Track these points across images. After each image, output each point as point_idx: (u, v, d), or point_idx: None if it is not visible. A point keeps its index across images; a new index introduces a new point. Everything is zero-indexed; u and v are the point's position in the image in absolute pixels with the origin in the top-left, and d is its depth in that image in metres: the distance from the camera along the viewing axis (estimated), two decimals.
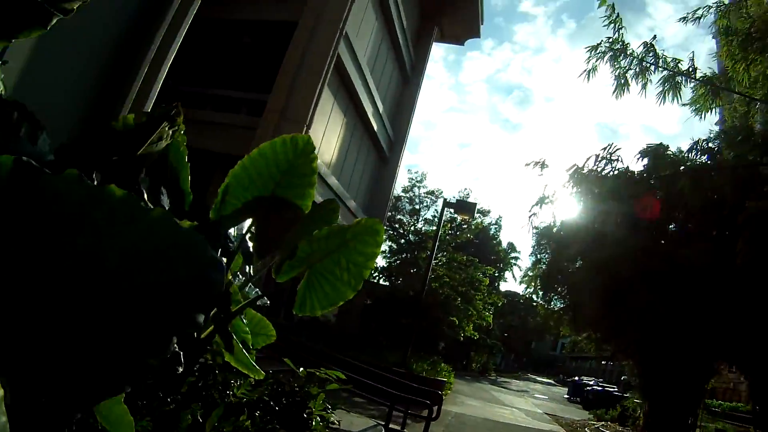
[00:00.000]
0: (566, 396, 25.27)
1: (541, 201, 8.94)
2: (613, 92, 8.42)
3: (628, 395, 18.57)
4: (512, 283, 59.47)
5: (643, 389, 10.80)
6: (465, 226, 27.85)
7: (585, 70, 8.29)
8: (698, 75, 8.14)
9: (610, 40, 8.10)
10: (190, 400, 1.90)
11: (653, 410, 10.21)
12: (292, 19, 11.14)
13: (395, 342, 14.54)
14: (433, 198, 22.35)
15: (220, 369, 2.01)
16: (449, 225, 22.96)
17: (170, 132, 1.46)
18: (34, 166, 0.73)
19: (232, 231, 2.04)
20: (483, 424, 9.78)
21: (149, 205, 1.51)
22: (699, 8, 8.01)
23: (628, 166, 8.69)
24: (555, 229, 11.91)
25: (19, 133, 1.10)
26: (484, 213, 32.11)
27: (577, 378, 30.90)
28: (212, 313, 1.95)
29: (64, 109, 3.24)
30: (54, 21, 1.12)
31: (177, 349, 1.50)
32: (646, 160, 8.62)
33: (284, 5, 11.76)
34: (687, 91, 8.41)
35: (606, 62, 8.17)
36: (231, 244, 1.99)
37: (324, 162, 13.77)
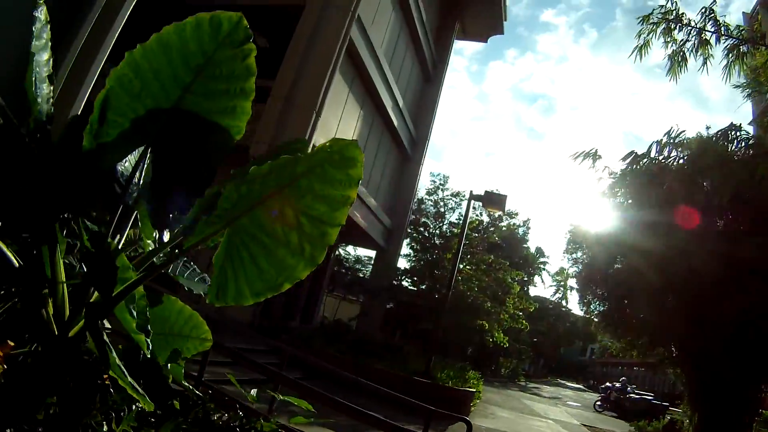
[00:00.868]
0: (599, 403, 23.64)
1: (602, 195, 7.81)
2: (667, 72, 7.32)
3: (667, 404, 17.05)
4: (540, 288, 57.89)
5: (693, 399, 9.57)
6: (492, 229, 26.75)
7: (636, 47, 7.23)
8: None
9: (663, 9, 7.02)
10: None
11: (704, 422, 8.99)
12: (298, 3, 10.63)
13: (421, 348, 13.69)
14: (457, 201, 21.32)
15: (116, 389, 1.28)
16: (477, 223, 21.89)
17: None
18: None
19: (125, 165, 1.28)
20: None
21: None
22: None
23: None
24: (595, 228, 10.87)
25: None
26: (512, 215, 30.82)
27: (609, 384, 29.00)
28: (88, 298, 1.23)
29: None
30: None
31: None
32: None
33: None
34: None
35: (659, 36, 7.08)
36: (122, 188, 1.26)
37: None
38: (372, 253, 20.98)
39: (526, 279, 27.18)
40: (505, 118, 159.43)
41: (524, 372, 42.97)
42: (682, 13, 7.08)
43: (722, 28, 6.83)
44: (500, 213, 9.99)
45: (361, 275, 24.97)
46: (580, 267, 12.18)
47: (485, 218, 27.88)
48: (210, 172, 1.25)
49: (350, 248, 36.34)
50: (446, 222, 20.69)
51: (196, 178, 1.24)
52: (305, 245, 1.19)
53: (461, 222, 12.75)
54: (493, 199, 9.85)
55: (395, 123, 16.64)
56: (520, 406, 15.02)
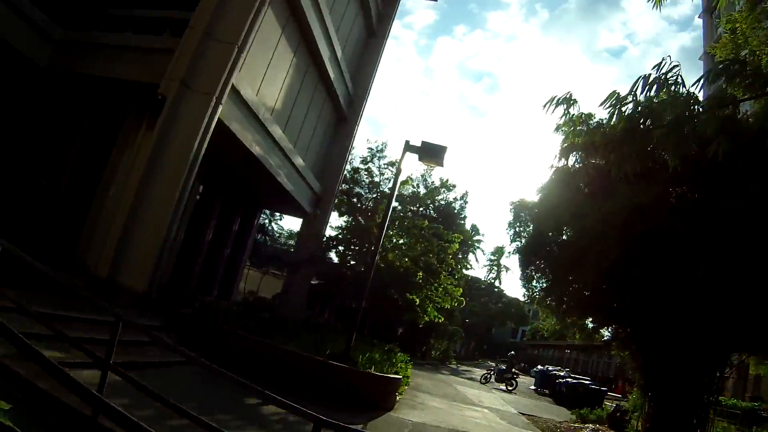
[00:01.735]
0: (533, 387, 23.57)
1: (566, 152, 6.35)
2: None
3: (605, 389, 16.77)
4: (475, 269, 58.35)
5: (644, 385, 8.78)
6: (426, 193, 25.55)
7: None
8: None
9: None
10: None
11: (655, 411, 8.22)
12: None
13: (348, 327, 12.05)
14: (394, 171, 19.80)
15: None
16: (409, 183, 20.39)
17: None
18: None
19: None
20: None
21: None
22: None
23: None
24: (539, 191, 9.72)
25: None
26: (449, 188, 29.92)
27: (541, 366, 29.38)
28: None
29: None
30: None
31: None
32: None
33: None
34: None
35: None
36: None
37: (265, 105, 11.00)
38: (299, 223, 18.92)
39: (460, 256, 26.41)
40: (450, 95, 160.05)
41: (455, 354, 43.00)
42: None
43: None
44: (439, 166, 8.42)
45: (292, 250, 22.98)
46: (522, 241, 11.08)
47: (422, 189, 26.74)
48: None
49: (280, 220, 33.64)
50: (381, 192, 19.08)
51: None
52: None
53: (394, 178, 11.12)
54: (430, 151, 8.29)
55: (332, 76, 14.63)
56: (452, 392, 13.93)
